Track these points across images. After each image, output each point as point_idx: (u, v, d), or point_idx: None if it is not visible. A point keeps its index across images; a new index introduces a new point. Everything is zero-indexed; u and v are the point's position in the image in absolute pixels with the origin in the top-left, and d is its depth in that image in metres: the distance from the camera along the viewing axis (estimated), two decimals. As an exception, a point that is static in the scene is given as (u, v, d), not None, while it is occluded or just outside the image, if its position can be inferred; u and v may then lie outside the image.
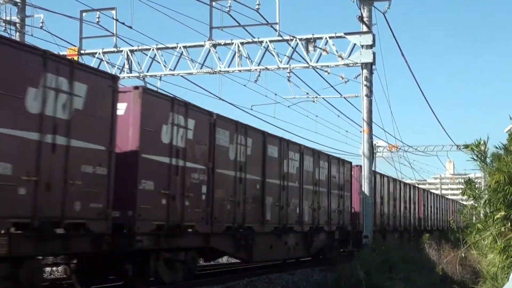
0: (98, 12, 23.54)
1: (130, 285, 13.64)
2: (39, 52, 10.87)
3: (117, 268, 13.39)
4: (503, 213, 9.81)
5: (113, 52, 25.67)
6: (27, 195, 10.25)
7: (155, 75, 25.35)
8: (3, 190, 9.86)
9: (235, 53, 24.10)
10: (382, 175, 32.11)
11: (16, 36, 23.60)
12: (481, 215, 11.15)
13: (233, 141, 16.60)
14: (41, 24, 23.37)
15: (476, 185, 11.17)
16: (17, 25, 24.26)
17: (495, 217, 9.93)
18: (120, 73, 24.94)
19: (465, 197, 11.40)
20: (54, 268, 15.54)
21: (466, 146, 10.74)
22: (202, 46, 24.44)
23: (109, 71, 23.92)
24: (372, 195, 24.60)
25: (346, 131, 63.81)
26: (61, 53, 25.39)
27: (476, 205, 10.98)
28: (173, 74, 25.16)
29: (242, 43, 24.01)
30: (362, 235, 23.45)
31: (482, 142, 10.62)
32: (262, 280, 17.40)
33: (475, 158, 10.67)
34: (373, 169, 25.32)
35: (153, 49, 25.06)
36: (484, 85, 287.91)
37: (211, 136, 15.49)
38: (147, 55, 25.27)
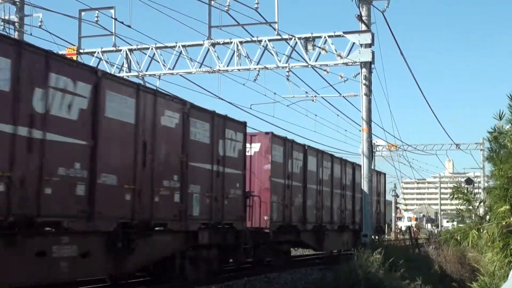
0: (97, 11, 23.53)
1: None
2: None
3: None
4: (507, 206, 9.74)
5: (112, 51, 25.66)
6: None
7: (154, 74, 25.35)
8: None
9: (234, 52, 24.09)
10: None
11: (14, 35, 23.58)
12: (478, 214, 11.12)
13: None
14: (40, 23, 23.38)
15: (475, 184, 11.15)
16: (16, 24, 24.25)
17: (499, 210, 9.86)
18: (119, 72, 24.93)
19: (457, 201, 11.42)
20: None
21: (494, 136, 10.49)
22: (201, 45, 24.43)
23: (108, 70, 23.94)
24: (372, 193, 24.62)
25: (345, 130, 64.09)
26: (60, 52, 25.48)
27: (471, 207, 10.96)
28: (172, 73, 25.16)
29: (241, 42, 24.00)
30: (362, 234, 23.48)
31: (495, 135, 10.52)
32: (261, 279, 17.40)
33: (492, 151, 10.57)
34: (372, 167, 25.34)
35: (152, 48, 25.04)
36: (484, 84, 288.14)
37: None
38: (146, 54, 25.27)
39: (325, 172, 24.84)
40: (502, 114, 10.27)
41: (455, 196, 11.18)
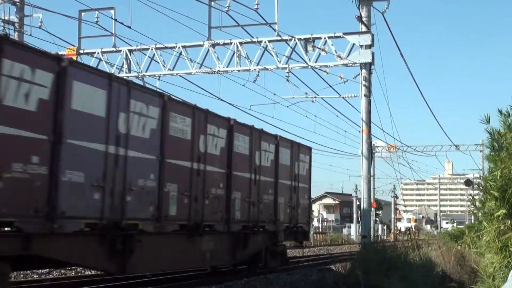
0: (97, 12, 23.58)
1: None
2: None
3: None
4: (504, 211, 9.78)
5: (112, 51, 25.69)
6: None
7: (154, 75, 25.37)
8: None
9: (234, 53, 24.12)
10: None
11: (14, 36, 23.60)
12: (480, 214, 11.11)
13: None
14: (39, 24, 23.39)
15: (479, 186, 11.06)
16: (16, 24, 24.27)
17: (496, 214, 9.89)
18: (119, 73, 24.95)
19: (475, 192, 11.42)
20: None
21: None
22: (201, 46, 24.46)
23: (108, 71, 23.95)
24: (371, 195, 24.64)
25: (345, 131, 64.31)
26: (60, 53, 25.51)
27: (484, 198, 10.83)
28: (172, 74, 25.18)
29: (241, 43, 24.03)
30: (361, 235, 23.50)
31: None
32: (260, 280, 17.41)
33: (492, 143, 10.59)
34: (371, 169, 25.33)
35: (152, 49, 25.07)
36: (484, 84, 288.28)
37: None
38: (146, 54, 25.30)
39: (136, 123, 12.70)
40: (488, 118, 10.42)
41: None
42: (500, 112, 10.28)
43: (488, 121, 10.43)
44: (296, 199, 20.82)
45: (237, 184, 16.82)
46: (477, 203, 11.37)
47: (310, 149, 22.83)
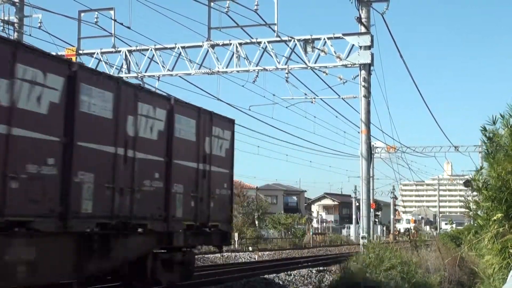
0: (96, 12, 23.59)
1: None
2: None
3: None
4: (501, 214, 9.78)
5: (111, 52, 25.68)
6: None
7: (153, 76, 25.36)
8: None
9: (233, 54, 24.11)
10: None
11: (14, 36, 23.58)
12: (479, 213, 11.11)
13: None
14: (39, 24, 23.39)
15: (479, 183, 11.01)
16: (15, 25, 24.25)
17: (493, 218, 9.90)
18: (118, 73, 24.94)
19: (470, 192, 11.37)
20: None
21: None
22: (200, 46, 24.46)
23: (107, 71, 23.97)
24: (370, 196, 24.64)
25: (344, 132, 64.31)
26: (59, 53, 25.52)
27: (480, 199, 10.82)
28: (171, 75, 25.17)
29: (240, 44, 24.03)
30: (360, 236, 23.48)
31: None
32: (260, 280, 17.43)
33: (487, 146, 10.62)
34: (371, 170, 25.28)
35: (151, 50, 25.06)
36: (484, 85, 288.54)
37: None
38: (145, 55, 25.29)
39: None
40: (495, 119, 10.42)
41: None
42: (502, 116, 10.28)
43: (494, 122, 10.42)
44: (207, 188, 14.94)
45: (87, 162, 11.04)
46: (471, 205, 11.36)
47: (232, 122, 16.68)
